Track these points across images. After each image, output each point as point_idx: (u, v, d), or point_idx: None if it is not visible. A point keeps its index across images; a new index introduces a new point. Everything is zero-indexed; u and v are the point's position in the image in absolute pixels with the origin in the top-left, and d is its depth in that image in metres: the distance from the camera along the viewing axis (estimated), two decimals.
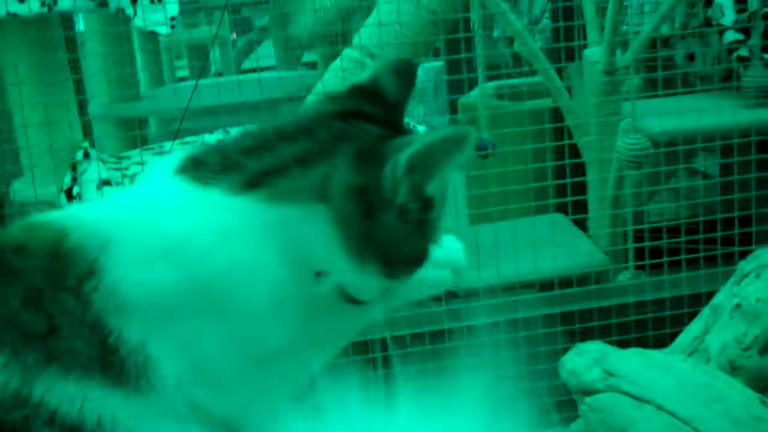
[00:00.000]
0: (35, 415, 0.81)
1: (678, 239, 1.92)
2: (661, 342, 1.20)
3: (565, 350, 1.14)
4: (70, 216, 0.90)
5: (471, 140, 0.91)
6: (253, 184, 0.88)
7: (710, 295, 1.23)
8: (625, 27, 2.44)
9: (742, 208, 2.02)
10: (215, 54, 4.48)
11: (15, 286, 0.85)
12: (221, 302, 0.86)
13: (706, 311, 1.23)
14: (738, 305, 1.18)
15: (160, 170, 0.93)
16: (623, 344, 1.15)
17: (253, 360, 0.89)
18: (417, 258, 0.92)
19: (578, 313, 1.59)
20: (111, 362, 0.84)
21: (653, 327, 1.54)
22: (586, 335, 1.43)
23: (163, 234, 0.87)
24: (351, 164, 0.89)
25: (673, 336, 1.23)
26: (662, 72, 2.29)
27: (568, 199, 2.18)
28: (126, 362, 0.84)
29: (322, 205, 0.87)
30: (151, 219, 0.88)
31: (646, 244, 1.93)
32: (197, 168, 0.90)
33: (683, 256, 1.77)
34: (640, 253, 2.05)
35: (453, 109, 3.41)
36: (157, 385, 0.85)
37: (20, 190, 2.12)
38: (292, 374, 0.95)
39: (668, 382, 1.06)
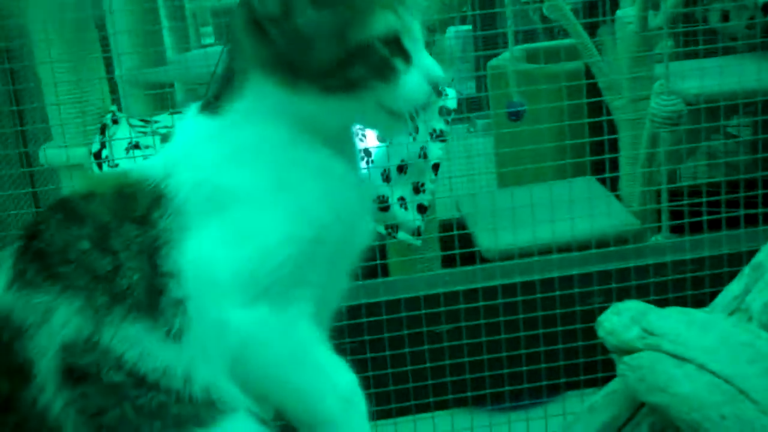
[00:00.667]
0: (105, 359, 0.86)
1: (712, 200, 1.89)
2: (701, 302, 1.18)
3: (602, 310, 1.13)
4: (134, 168, 0.98)
5: None
6: None
7: (751, 254, 1.21)
8: None
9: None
10: None
11: (86, 227, 0.92)
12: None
13: (746, 270, 1.20)
14: None
15: (186, 117, 1.04)
16: (661, 304, 1.13)
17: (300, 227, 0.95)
18: (340, 52, 0.93)
19: (615, 272, 1.57)
20: (157, 296, 0.87)
21: (692, 287, 1.51)
22: (623, 295, 1.41)
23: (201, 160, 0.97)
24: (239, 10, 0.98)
25: (713, 296, 1.21)
26: (695, 33, 2.25)
27: (600, 157, 2.15)
28: (168, 294, 0.88)
29: (245, 65, 0.98)
30: (197, 149, 0.99)
31: (679, 205, 1.91)
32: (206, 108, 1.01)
33: (723, 215, 1.74)
34: (673, 216, 2.03)
35: (480, 77, 3.39)
36: (193, 324, 0.88)
37: (49, 152, 2.12)
38: None
39: (709, 340, 1.04)
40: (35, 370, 0.87)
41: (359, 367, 0.98)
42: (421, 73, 0.96)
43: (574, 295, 1.59)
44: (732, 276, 1.19)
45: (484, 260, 2.21)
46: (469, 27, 3.50)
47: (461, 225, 2.29)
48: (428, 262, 2.28)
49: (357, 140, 1.07)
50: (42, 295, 0.88)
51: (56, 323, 0.87)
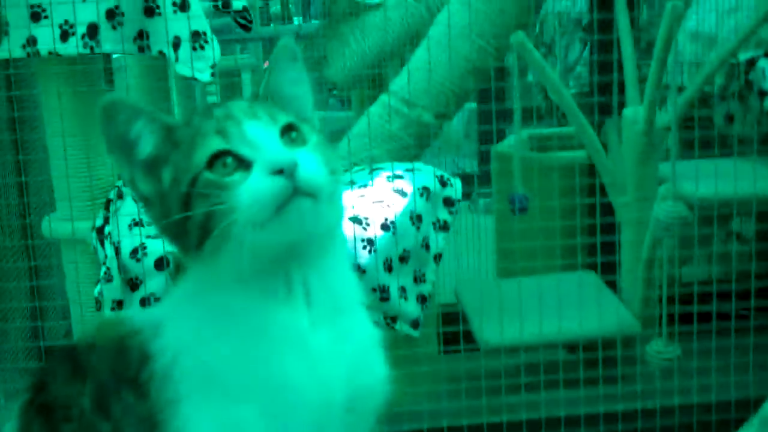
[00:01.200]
0: None
1: (711, 306, 1.89)
2: None
3: None
4: (133, 315, 0.98)
5: (126, 97, 0.98)
6: None
7: (759, 401, 1.19)
8: (663, 83, 2.41)
9: None
10: (245, 80, 4.49)
11: (87, 384, 0.94)
12: None
13: (755, 422, 1.19)
14: None
15: None
16: None
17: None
18: None
19: (621, 414, 1.55)
20: None
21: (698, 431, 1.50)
22: None
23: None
24: None
25: None
26: (701, 133, 2.26)
27: (604, 258, 2.15)
28: None
29: None
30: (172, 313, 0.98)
31: (689, 309, 1.90)
32: None
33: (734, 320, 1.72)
34: (672, 319, 2.02)
35: (482, 156, 3.40)
36: None
37: (52, 224, 2.11)
38: None
39: None
40: None
41: None
42: (262, 169, 0.91)
43: None
44: (739, 423, 1.17)
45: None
46: (474, 105, 3.53)
47: (459, 314, 2.28)
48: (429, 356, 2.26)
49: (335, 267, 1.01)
50: None
51: None
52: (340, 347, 0.97)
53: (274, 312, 0.93)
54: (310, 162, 0.92)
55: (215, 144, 0.92)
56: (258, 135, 0.93)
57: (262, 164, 0.91)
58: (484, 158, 3.46)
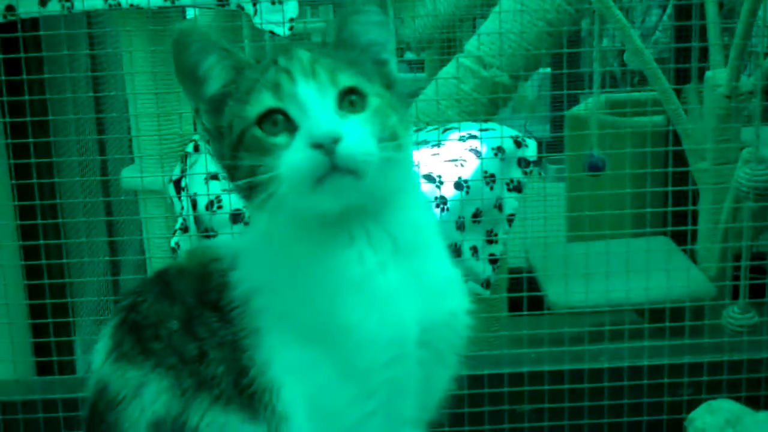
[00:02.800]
0: None
1: None
2: None
3: (691, 403, 1.09)
4: (218, 244, 1.01)
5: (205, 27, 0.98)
6: None
7: None
8: (748, 48, 2.34)
9: None
10: None
11: (176, 306, 0.96)
12: None
13: None
14: None
15: None
16: (753, 401, 1.10)
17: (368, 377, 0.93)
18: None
19: (708, 365, 1.52)
20: (245, 390, 0.89)
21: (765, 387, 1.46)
22: (714, 389, 1.37)
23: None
24: None
25: None
26: None
27: (680, 227, 2.11)
28: (257, 391, 0.89)
29: None
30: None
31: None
32: None
33: None
34: (751, 286, 1.97)
35: (555, 120, 3.36)
36: (289, 422, 0.89)
37: (129, 177, 2.15)
38: None
39: None
40: None
41: None
42: (303, 140, 0.87)
43: (663, 384, 1.54)
44: None
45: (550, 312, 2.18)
46: (547, 70, 3.48)
47: (530, 274, 2.26)
48: (496, 308, 2.25)
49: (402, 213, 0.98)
50: (135, 370, 0.93)
51: (147, 399, 0.91)
52: (411, 284, 0.95)
53: (335, 258, 0.93)
54: (358, 135, 0.88)
55: (267, 100, 0.90)
56: (309, 98, 0.89)
57: (304, 133, 0.88)
58: (556, 124, 3.42)
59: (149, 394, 0.91)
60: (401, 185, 0.97)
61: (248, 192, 0.90)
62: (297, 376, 0.92)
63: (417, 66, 3.81)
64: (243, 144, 0.90)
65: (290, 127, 0.89)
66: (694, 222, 2.22)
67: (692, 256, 2.29)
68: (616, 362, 1.59)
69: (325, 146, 0.85)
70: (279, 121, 0.89)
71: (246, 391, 0.91)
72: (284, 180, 0.87)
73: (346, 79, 0.91)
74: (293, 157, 0.87)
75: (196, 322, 0.94)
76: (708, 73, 2.20)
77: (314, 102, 0.89)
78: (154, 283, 1.00)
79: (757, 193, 1.89)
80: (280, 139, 0.88)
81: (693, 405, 1.12)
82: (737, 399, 1.08)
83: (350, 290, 0.92)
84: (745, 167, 1.91)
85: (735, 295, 1.99)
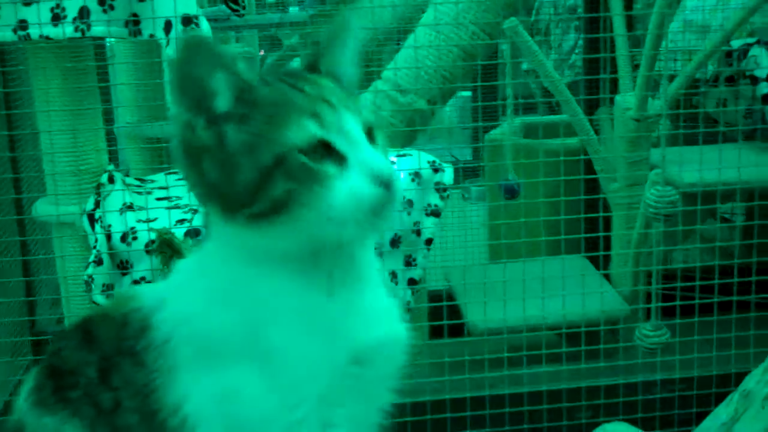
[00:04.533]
0: None
1: (706, 287, 1.89)
2: (687, 422, 1.17)
3: (589, 426, 1.12)
4: (141, 290, 1.02)
5: (212, 39, 0.96)
6: None
7: (740, 376, 1.20)
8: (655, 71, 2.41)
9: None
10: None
11: (94, 353, 0.97)
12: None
13: (735, 396, 1.19)
14: None
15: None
16: (648, 422, 1.12)
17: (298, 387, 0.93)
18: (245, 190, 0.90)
19: (604, 388, 1.55)
20: None
21: (680, 406, 1.50)
22: (610, 411, 1.40)
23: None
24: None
25: (700, 416, 1.20)
26: (692, 121, 2.26)
27: (593, 235, 2.16)
28: None
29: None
30: (185, 279, 1.01)
31: (671, 289, 1.91)
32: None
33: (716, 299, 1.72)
34: (664, 301, 2.02)
35: (477, 142, 3.40)
36: None
37: (42, 210, 2.11)
38: None
39: None
40: None
41: None
42: (362, 172, 0.90)
43: (562, 409, 1.57)
44: (720, 397, 1.18)
45: (470, 334, 2.20)
46: (468, 93, 3.53)
47: (450, 296, 2.28)
48: (417, 335, 2.26)
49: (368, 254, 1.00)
50: (51, 417, 0.93)
51: None
52: (353, 307, 0.97)
53: (299, 283, 0.93)
54: (396, 170, 0.92)
55: (312, 129, 0.90)
56: (355, 131, 0.91)
57: (360, 167, 0.90)
58: (478, 149, 3.47)
59: None
60: None
61: (262, 210, 0.90)
62: (218, 399, 0.92)
63: None
64: (283, 168, 0.89)
65: (335, 157, 0.90)
66: (608, 246, 2.27)
67: (608, 278, 2.33)
68: (516, 389, 1.61)
69: (384, 182, 0.89)
70: (319, 150, 0.90)
71: None
72: (338, 207, 0.89)
73: (367, 113, 0.96)
74: (354, 190, 0.89)
75: (113, 371, 0.95)
76: (618, 98, 2.26)
77: (360, 134, 0.92)
78: (78, 329, 1.02)
79: (665, 214, 1.94)
80: (329, 168, 0.90)
81: (591, 428, 1.15)
82: (633, 421, 1.11)
83: (299, 314, 0.93)
84: (652, 188, 1.95)
85: (649, 316, 2.04)
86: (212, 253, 0.97)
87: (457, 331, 2.14)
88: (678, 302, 1.87)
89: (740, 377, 1.21)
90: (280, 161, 0.89)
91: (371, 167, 0.89)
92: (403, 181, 0.89)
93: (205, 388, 0.92)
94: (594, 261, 2.35)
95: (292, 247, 0.92)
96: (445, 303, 1.93)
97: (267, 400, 0.91)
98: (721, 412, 1.19)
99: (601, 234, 2.13)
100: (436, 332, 2.22)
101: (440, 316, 2.02)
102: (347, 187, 0.89)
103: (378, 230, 0.93)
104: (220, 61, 0.92)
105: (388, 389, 1.02)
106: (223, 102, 0.92)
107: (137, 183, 2.31)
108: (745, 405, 1.16)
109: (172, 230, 1.81)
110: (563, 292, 2.02)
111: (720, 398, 1.21)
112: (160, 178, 2.37)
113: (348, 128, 0.91)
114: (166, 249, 1.40)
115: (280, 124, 0.90)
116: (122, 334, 0.96)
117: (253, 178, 0.89)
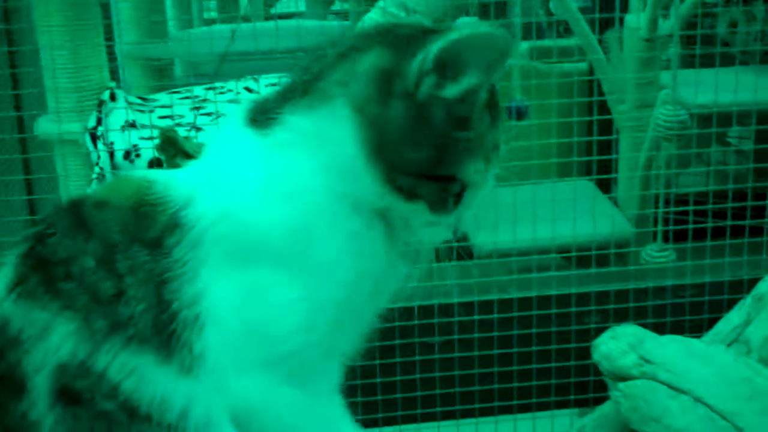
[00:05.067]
0: (99, 386, 0.83)
1: (706, 211, 1.88)
2: (698, 328, 1.17)
3: (598, 331, 1.11)
4: (154, 176, 0.93)
5: (510, 43, 0.86)
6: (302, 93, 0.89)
7: (752, 282, 1.19)
8: None
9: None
10: None
11: (92, 242, 0.87)
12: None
13: (748, 300, 1.19)
14: None
15: (229, 126, 0.95)
16: (659, 328, 1.12)
17: (322, 311, 0.89)
18: (427, 165, 0.86)
19: (614, 293, 1.54)
20: (165, 328, 0.85)
21: (691, 312, 1.50)
22: (620, 317, 1.40)
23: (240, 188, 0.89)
24: (381, 50, 0.87)
25: (711, 322, 1.19)
26: (702, 42, 2.22)
27: (598, 157, 2.13)
28: (177, 329, 0.85)
29: (342, 98, 0.86)
30: (229, 174, 0.90)
31: (676, 213, 1.89)
32: (258, 116, 0.91)
33: (709, 224, 1.72)
34: (668, 224, 2.01)
35: None
36: (205, 362, 0.86)
37: (44, 127, 2.09)
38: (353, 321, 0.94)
39: (707, 373, 1.02)
40: (29, 384, 0.85)
41: (348, 375, 0.95)
42: (453, 222, 0.91)
43: (571, 313, 1.57)
44: (732, 303, 1.18)
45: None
46: (475, 18, 3.47)
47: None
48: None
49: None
50: (41, 311, 0.85)
51: (53, 342, 0.84)
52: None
53: (378, 243, 0.90)
54: None
55: (474, 175, 0.91)
56: (476, 197, 0.94)
57: (457, 219, 0.93)
58: None
59: (56, 338, 0.84)
60: None
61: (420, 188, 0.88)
62: (242, 299, 0.87)
63: (342, 15, 3.78)
64: (435, 177, 0.88)
65: (457, 202, 0.92)
66: (615, 170, 2.26)
67: (616, 202, 2.32)
68: (524, 292, 1.61)
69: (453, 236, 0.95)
70: (458, 190, 0.92)
71: (164, 331, 0.85)
72: (425, 234, 0.93)
73: None
74: (441, 233, 0.94)
75: (118, 257, 0.86)
76: (628, 17, 2.22)
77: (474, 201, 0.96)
78: (65, 216, 0.91)
79: (674, 133, 1.92)
80: (450, 205, 0.91)
81: (600, 333, 1.15)
82: (643, 326, 1.10)
83: (365, 257, 0.90)
84: (661, 108, 1.93)
85: (655, 238, 2.03)
86: (302, 134, 0.88)
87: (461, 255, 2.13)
88: (677, 227, 1.86)
89: (752, 284, 1.20)
90: (444, 177, 0.88)
91: (459, 223, 0.93)
92: None
93: (230, 285, 0.87)
94: (602, 185, 2.33)
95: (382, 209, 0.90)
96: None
97: (292, 312, 0.87)
98: (734, 316, 1.19)
99: (613, 157, 2.11)
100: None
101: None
102: (439, 231, 0.92)
103: None
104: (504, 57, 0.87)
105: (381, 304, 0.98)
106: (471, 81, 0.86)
107: (139, 101, 2.29)
108: (757, 308, 1.16)
109: None
110: (565, 215, 2.01)
111: (731, 304, 1.20)
112: (162, 96, 2.34)
113: (481, 187, 0.93)
114: (169, 147, 1.36)
115: (474, 153, 0.88)
116: (139, 224, 0.88)
117: (418, 166, 0.86)
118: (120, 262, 0.86)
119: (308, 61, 0.93)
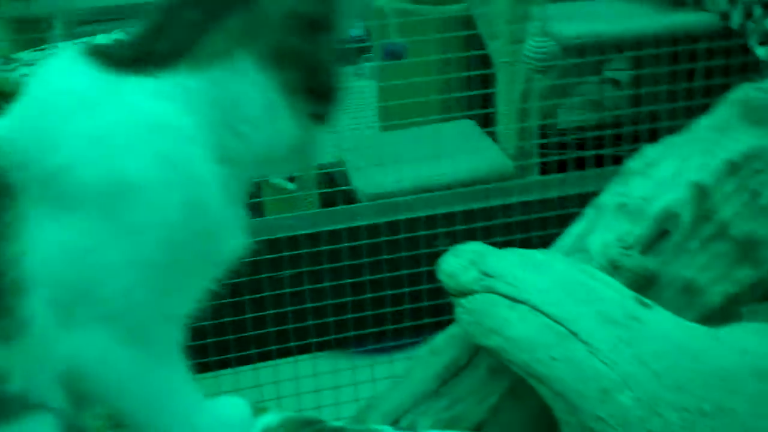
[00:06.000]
0: None
1: (584, 143, 1.90)
2: (547, 244, 1.17)
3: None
4: None
5: None
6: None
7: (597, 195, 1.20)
8: None
9: (650, 119, 2.00)
10: None
11: None
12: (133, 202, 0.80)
13: (590, 211, 1.20)
14: (622, 204, 1.16)
15: (62, 64, 0.87)
16: (507, 245, 1.12)
17: (145, 274, 0.83)
18: (333, 93, 0.88)
19: (461, 214, 1.55)
20: None
21: (539, 228, 1.51)
22: (468, 237, 1.40)
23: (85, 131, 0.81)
24: None
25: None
26: None
27: (476, 92, 2.14)
28: (2, 297, 0.79)
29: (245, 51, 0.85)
30: (70, 117, 0.82)
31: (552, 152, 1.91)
32: (105, 58, 0.85)
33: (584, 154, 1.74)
34: (544, 157, 2.03)
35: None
36: (31, 327, 0.80)
37: None
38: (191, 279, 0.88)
39: (544, 281, 1.02)
40: None
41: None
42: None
43: (418, 237, 1.57)
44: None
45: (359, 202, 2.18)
46: None
47: (339, 167, 2.25)
48: (306, 205, 2.23)
49: None
50: None
51: None
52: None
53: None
54: None
55: None
56: None
57: None
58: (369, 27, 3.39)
59: None
60: None
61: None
62: (61, 261, 0.80)
63: None
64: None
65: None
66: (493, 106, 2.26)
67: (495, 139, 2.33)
68: (373, 219, 1.59)
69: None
70: None
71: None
72: None
73: None
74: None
75: None
76: None
77: None
78: None
79: (544, 64, 1.93)
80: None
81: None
82: (493, 245, 1.11)
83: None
84: (530, 40, 1.94)
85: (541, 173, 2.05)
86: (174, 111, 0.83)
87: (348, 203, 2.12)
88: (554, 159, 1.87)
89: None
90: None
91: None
92: None
93: (50, 240, 0.80)
94: (483, 121, 2.34)
95: None
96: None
97: (114, 275, 0.81)
98: (576, 227, 1.20)
99: (491, 91, 2.11)
100: (326, 204, 2.20)
101: (330, 198, 1.98)
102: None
103: None
104: None
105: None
106: None
107: (1, 61, 2.19)
108: (597, 217, 1.17)
109: None
110: (447, 154, 2.01)
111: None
112: (24, 54, 2.25)
113: None
114: None
115: None
116: None
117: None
118: None
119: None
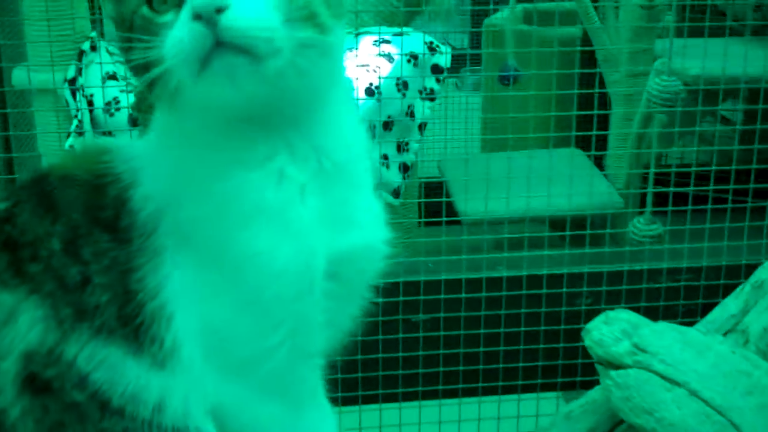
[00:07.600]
0: (68, 375, 0.79)
1: (698, 187, 1.85)
2: (692, 312, 1.13)
3: (589, 312, 1.08)
4: (111, 144, 0.87)
5: None
6: None
7: (750, 268, 1.15)
8: None
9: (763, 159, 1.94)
10: None
11: (58, 223, 0.83)
12: None
13: (746, 288, 1.15)
14: None
15: None
16: (651, 311, 1.08)
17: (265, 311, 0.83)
18: None
19: (607, 274, 1.50)
20: (131, 321, 0.80)
21: (685, 296, 1.45)
22: (613, 299, 1.35)
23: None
24: None
25: (706, 307, 1.16)
26: (698, 12, 2.18)
27: (589, 133, 2.09)
28: (144, 322, 0.81)
29: None
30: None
31: (669, 189, 1.86)
32: None
33: (706, 206, 1.69)
34: (657, 198, 1.98)
35: (473, 35, 3.30)
36: (179, 357, 0.81)
37: (20, 76, 2.02)
38: None
39: (704, 364, 0.98)
40: None
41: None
42: (187, 13, 0.73)
43: (562, 294, 1.51)
44: (728, 288, 1.14)
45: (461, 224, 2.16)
46: None
47: (442, 187, 2.24)
48: (407, 228, 2.22)
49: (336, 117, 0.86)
50: (8, 294, 0.80)
51: (21, 327, 0.79)
52: (331, 212, 0.84)
53: (250, 175, 0.81)
54: (251, 4, 0.74)
55: None
56: None
57: (188, 5, 0.73)
58: (474, 37, 3.36)
59: (23, 324, 0.80)
60: (327, 86, 0.84)
61: (149, 86, 0.78)
62: (193, 304, 0.82)
63: None
64: (133, 28, 0.77)
65: (177, 6, 0.76)
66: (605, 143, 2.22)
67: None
68: (514, 271, 1.55)
69: (204, 16, 0.72)
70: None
71: (132, 323, 0.80)
72: (168, 61, 0.74)
73: None
74: (174, 34, 0.74)
75: (81, 242, 0.81)
76: None
77: None
78: (32, 191, 0.85)
79: (668, 104, 1.89)
80: (168, 16, 0.76)
81: (591, 315, 1.10)
82: (636, 309, 1.07)
83: (264, 216, 0.81)
84: (656, 78, 1.89)
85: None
86: (162, 131, 0.86)
87: (449, 222, 2.09)
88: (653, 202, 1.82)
89: (751, 269, 1.16)
90: (132, 19, 0.78)
91: (192, 2, 0.73)
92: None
93: (185, 279, 0.82)
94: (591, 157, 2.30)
95: (199, 118, 0.81)
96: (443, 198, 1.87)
97: (242, 321, 0.82)
98: (730, 304, 1.16)
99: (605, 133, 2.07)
100: (427, 222, 2.19)
101: (433, 207, 1.96)
102: (171, 34, 0.74)
103: (229, 90, 0.75)
104: None
105: (359, 302, 0.91)
106: None
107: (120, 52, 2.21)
108: (756, 296, 1.12)
109: None
110: (557, 184, 1.97)
111: (728, 290, 1.17)
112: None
113: None
114: (144, 106, 1.27)
115: None
116: (96, 201, 0.83)
117: (123, 49, 0.81)
118: (84, 248, 0.81)
119: None
